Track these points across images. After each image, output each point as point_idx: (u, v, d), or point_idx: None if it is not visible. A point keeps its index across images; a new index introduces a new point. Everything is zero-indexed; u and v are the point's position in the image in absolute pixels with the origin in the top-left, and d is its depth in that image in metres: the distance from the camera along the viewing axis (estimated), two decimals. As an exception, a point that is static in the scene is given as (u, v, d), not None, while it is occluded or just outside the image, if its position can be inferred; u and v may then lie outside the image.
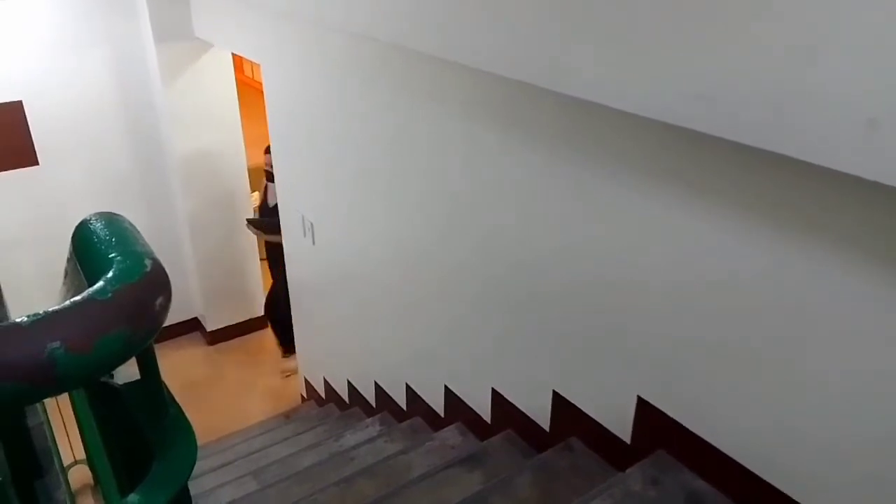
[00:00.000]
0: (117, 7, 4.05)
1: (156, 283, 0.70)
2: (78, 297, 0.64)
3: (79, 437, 1.71)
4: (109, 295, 0.65)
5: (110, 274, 0.68)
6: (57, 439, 1.82)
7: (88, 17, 4.00)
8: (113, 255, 0.73)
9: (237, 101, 4.41)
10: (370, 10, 1.70)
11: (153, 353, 0.81)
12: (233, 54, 4.14)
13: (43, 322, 0.60)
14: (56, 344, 0.59)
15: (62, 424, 2.50)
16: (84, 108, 4.17)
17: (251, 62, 3.71)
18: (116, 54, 4.16)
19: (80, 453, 2.90)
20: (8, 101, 3.93)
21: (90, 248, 0.78)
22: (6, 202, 4.15)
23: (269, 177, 4.23)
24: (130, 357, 0.70)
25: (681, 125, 1.04)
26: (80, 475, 3.05)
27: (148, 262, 0.71)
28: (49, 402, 1.72)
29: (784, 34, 0.86)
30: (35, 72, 3.96)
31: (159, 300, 0.69)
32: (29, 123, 4.04)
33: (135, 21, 4.11)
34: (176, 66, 4.09)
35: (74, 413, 1.45)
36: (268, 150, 4.13)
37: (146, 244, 0.78)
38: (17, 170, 4.11)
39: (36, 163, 4.14)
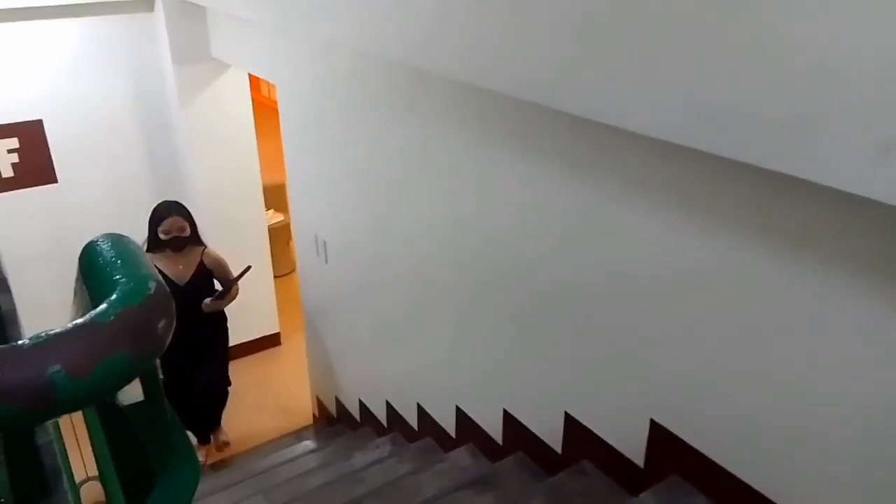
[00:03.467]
0: (136, 28, 4.11)
1: (158, 305, 0.70)
2: (80, 320, 0.64)
3: (92, 453, 1.72)
4: (112, 318, 0.65)
5: (114, 296, 0.68)
6: (71, 455, 1.82)
7: (108, 37, 4.07)
8: (117, 276, 0.73)
9: (253, 122, 4.46)
10: (384, 32, 1.71)
11: (157, 375, 0.81)
12: (249, 74, 4.18)
13: (43, 345, 0.60)
14: (56, 367, 0.59)
15: (76, 441, 2.50)
16: (102, 127, 4.23)
17: (268, 82, 3.72)
18: (135, 75, 4.23)
19: (94, 470, 2.91)
20: (28, 119, 4.00)
21: (96, 269, 0.79)
22: (26, 219, 4.20)
23: (175, 244, 3.31)
24: (132, 380, 0.69)
25: (693, 147, 1.02)
26: (92, 492, 3.04)
27: (152, 285, 0.71)
28: (63, 419, 1.74)
29: (797, 57, 0.85)
30: (55, 92, 4.02)
31: (162, 323, 0.69)
32: (49, 142, 4.10)
33: (153, 42, 4.17)
34: (193, 87, 4.15)
35: (87, 430, 1.45)
36: (176, 211, 3.30)
37: (151, 266, 0.78)
38: (37, 188, 4.17)
39: (55, 181, 4.20)
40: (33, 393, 0.58)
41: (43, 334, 0.61)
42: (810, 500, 1.40)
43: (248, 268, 3.41)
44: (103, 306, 0.66)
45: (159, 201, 3.38)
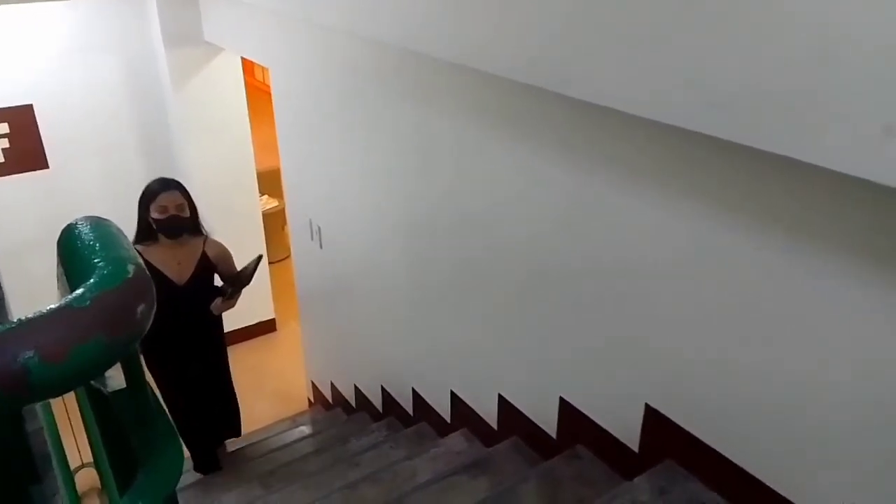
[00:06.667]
0: (128, 12, 4.06)
1: (137, 289, 0.67)
2: (54, 305, 0.62)
3: (86, 440, 1.71)
4: (87, 302, 0.63)
5: (91, 280, 0.66)
6: (66, 442, 1.81)
7: (99, 22, 4.03)
8: (96, 260, 0.71)
9: (246, 106, 4.42)
10: (380, 15, 1.68)
11: (138, 361, 0.79)
12: (243, 58, 4.14)
13: (16, 331, 0.58)
14: (30, 353, 0.57)
15: (70, 427, 2.49)
16: (94, 112, 4.19)
17: (262, 66, 3.67)
18: (126, 59, 4.18)
19: (88, 456, 2.90)
20: (19, 104, 3.96)
21: (75, 252, 0.76)
22: (17, 205, 4.17)
23: (171, 227, 2.73)
24: (111, 365, 0.68)
25: (695, 130, 1.00)
26: (87, 478, 3.04)
27: (131, 268, 0.69)
28: (57, 405, 1.72)
29: (802, 39, 0.83)
30: (46, 76, 3.98)
31: (141, 307, 0.66)
32: (39, 127, 4.06)
33: (145, 26, 4.12)
34: (186, 71, 4.10)
35: (81, 416, 1.44)
36: (175, 186, 2.76)
37: (131, 249, 0.76)
38: (28, 173, 4.14)
39: (46, 166, 4.17)
40: (7, 379, 0.56)
41: (16, 320, 0.59)
42: (806, 485, 1.39)
43: (260, 257, 2.99)
44: (79, 291, 0.64)
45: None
